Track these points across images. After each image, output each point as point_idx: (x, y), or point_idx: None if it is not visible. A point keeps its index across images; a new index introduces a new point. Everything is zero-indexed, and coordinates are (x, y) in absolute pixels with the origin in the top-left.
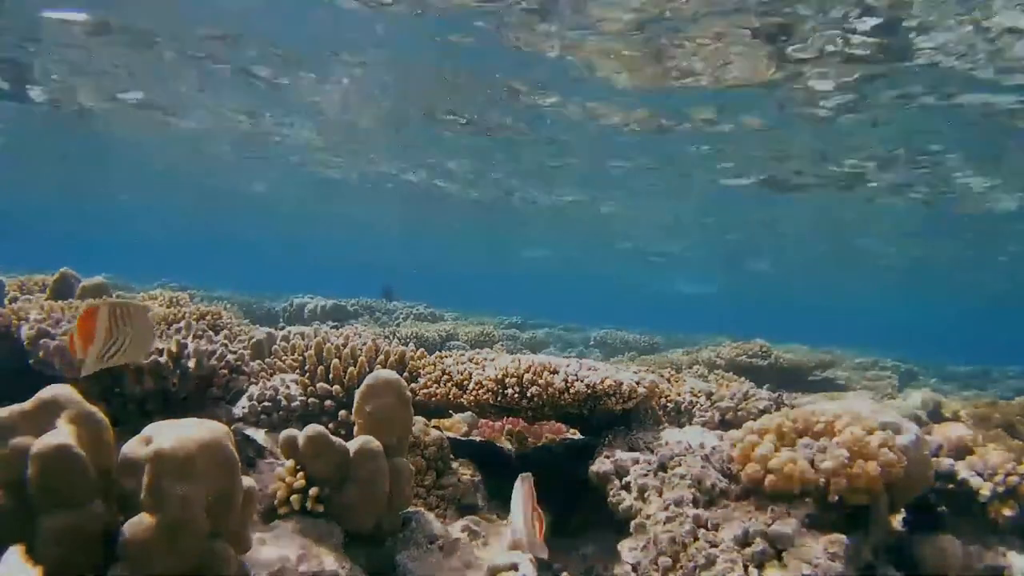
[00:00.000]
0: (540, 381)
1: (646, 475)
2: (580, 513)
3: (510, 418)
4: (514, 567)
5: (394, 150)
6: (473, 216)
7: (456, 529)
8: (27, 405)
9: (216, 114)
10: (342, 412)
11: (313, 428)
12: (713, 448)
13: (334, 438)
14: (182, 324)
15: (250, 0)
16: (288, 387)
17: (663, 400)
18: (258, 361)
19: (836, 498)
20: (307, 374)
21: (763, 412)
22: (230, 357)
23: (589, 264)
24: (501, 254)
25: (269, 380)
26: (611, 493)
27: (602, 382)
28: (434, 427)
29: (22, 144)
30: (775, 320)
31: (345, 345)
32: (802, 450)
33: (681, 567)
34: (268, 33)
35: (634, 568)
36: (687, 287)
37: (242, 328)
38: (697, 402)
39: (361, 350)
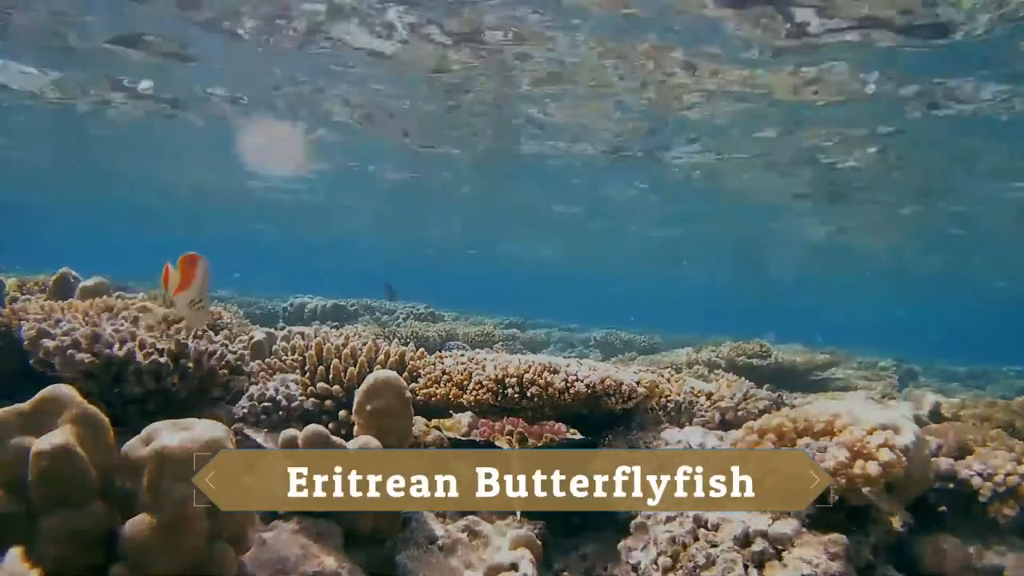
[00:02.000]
0: (540, 381)
1: None
2: (580, 513)
3: (510, 418)
4: (514, 567)
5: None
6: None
7: (456, 529)
8: (27, 405)
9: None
10: (342, 412)
11: (313, 428)
12: (713, 448)
13: (334, 438)
14: (182, 324)
15: None
16: (288, 387)
17: (663, 400)
18: (258, 361)
19: (836, 498)
20: (307, 374)
21: (763, 412)
22: (230, 357)
23: (591, 263)
24: (501, 252)
25: (269, 380)
26: None
27: (602, 382)
28: (434, 427)
29: (27, 141)
30: (775, 320)
31: (345, 345)
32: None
33: (681, 567)
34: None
35: (634, 568)
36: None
37: (242, 328)
38: (697, 402)
39: (361, 350)
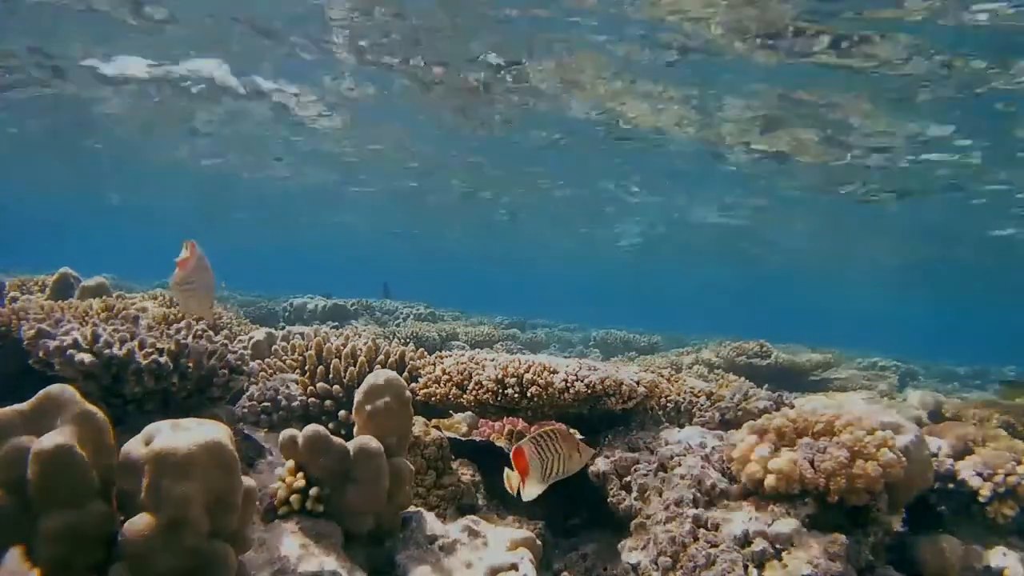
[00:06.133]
0: (540, 381)
1: (646, 475)
2: (580, 513)
3: (510, 418)
4: (514, 567)
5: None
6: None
7: (456, 529)
8: (27, 405)
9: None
10: (342, 412)
11: (312, 428)
12: (713, 448)
13: (334, 438)
14: (182, 324)
15: None
16: (288, 387)
17: (663, 400)
18: (258, 361)
19: (836, 498)
20: (307, 374)
21: (763, 412)
22: (230, 357)
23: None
24: (503, 252)
25: (269, 380)
26: (611, 493)
27: (602, 382)
28: (434, 427)
29: (30, 138)
30: (775, 320)
31: (345, 345)
32: (802, 450)
33: (681, 567)
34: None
35: (634, 568)
36: None
37: (242, 328)
38: (697, 402)
39: (361, 350)
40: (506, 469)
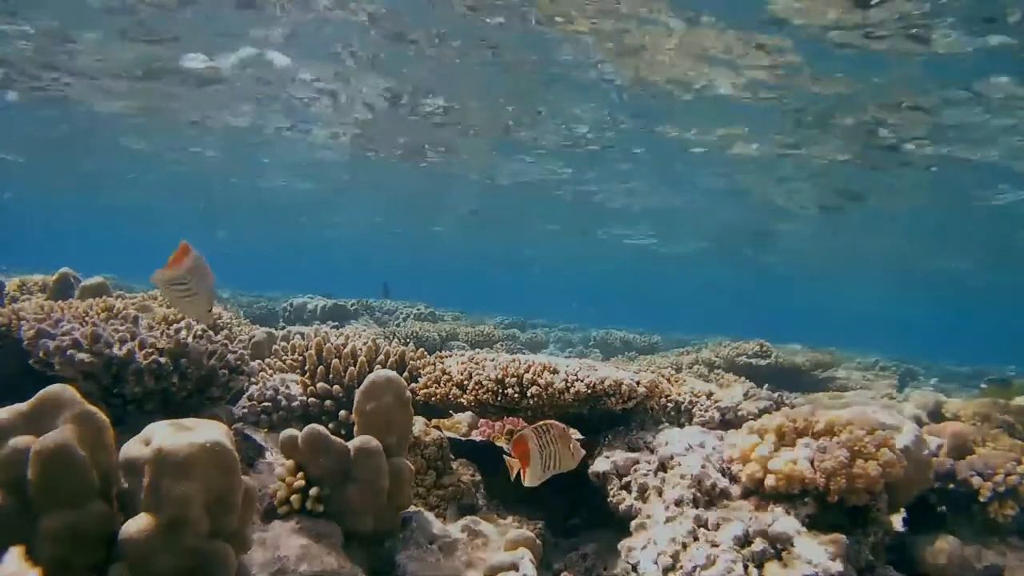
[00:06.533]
0: (540, 381)
1: (646, 475)
2: (580, 513)
3: (510, 418)
4: (514, 567)
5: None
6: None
7: (456, 529)
8: (27, 405)
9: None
10: (342, 412)
11: (312, 428)
12: (713, 448)
13: (333, 438)
14: (182, 324)
15: None
16: (288, 387)
17: (663, 400)
18: (258, 361)
19: (836, 498)
20: (307, 374)
21: (763, 412)
22: (230, 357)
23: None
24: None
25: (269, 380)
26: (611, 493)
27: (602, 382)
28: (434, 427)
29: (27, 139)
30: (775, 320)
31: (345, 345)
32: (802, 450)
33: (681, 567)
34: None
35: (634, 568)
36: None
37: (242, 328)
38: (697, 402)
39: (361, 350)
40: (507, 458)
